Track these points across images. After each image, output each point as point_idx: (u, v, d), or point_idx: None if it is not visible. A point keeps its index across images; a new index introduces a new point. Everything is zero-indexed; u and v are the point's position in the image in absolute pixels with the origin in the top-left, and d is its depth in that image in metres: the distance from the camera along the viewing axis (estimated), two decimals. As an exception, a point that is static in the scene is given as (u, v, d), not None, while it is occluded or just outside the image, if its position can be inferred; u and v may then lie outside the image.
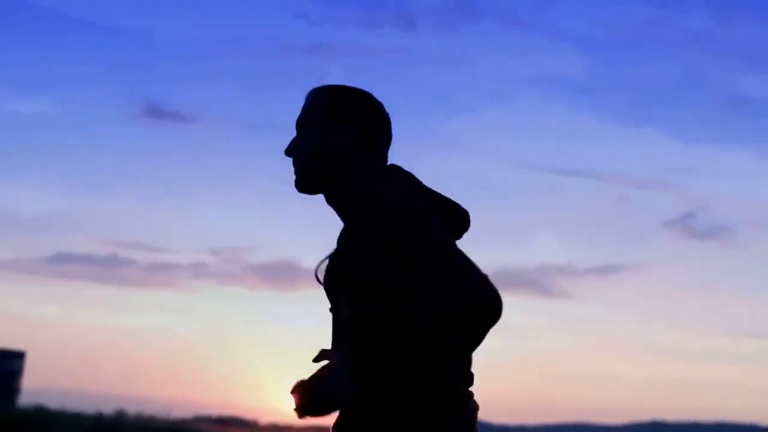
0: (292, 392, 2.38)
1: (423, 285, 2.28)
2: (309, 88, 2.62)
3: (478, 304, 2.23)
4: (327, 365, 2.36)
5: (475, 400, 2.40)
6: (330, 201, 2.55)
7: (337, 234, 2.56)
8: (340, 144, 2.52)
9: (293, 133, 2.60)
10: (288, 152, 2.57)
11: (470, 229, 2.51)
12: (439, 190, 2.49)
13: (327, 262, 2.52)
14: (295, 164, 2.56)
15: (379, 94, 2.61)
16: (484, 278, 2.27)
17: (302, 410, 2.37)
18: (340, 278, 2.44)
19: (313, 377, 2.37)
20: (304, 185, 2.56)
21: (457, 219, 2.48)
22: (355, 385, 2.30)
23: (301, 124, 2.58)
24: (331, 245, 2.57)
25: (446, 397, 2.34)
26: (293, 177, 2.57)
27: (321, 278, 2.54)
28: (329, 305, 2.54)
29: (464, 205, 2.50)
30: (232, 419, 27.55)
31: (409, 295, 2.31)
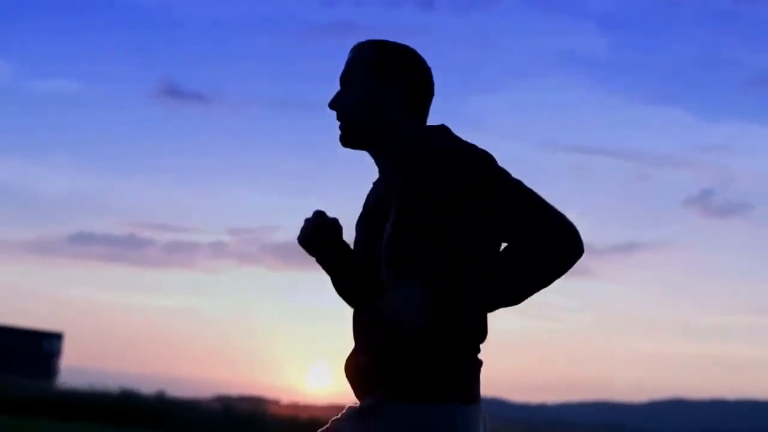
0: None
1: (518, 220, 2.38)
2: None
3: (565, 240, 2.38)
4: (398, 285, 2.38)
5: None
6: (377, 156, 2.58)
7: (361, 203, 2.64)
8: (386, 100, 2.54)
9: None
10: (332, 105, 2.59)
11: None
12: None
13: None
14: (339, 118, 2.58)
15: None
16: (563, 216, 2.42)
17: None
18: (417, 219, 2.43)
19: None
20: (350, 140, 2.58)
21: None
22: (430, 319, 2.34)
23: (345, 78, 2.60)
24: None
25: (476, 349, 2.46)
26: (338, 131, 2.59)
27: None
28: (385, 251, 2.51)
29: None
30: (253, 398, 27.61)
31: (496, 233, 2.41)
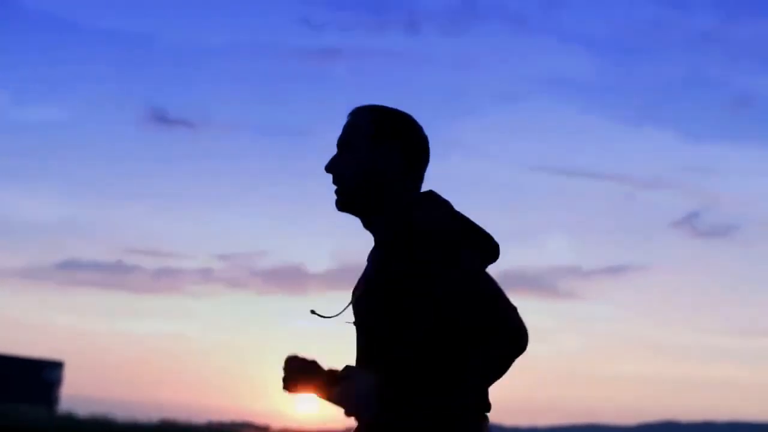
0: (288, 364, 2.49)
1: (459, 317, 2.36)
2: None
3: (512, 340, 2.34)
4: (352, 376, 2.38)
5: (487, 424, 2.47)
6: (368, 224, 2.58)
7: (365, 250, 2.62)
8: (384, 166, 2.53)
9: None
10: (329, 169, 2.58)
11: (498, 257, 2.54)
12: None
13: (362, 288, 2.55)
14: (337, 182, 2.57)
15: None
16: (514, 311, 2.37)
17: (288, 385, 2.51)
18: (379, 298, 2.45)
19: (327, 372, 2.44)
20: (346, 204, 2.57)
21: (487, 248, 2.51)
22: (378, 410, 2.34)
23: (343, 142, 2.59)
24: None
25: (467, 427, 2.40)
26: (333, 196, 2.58)
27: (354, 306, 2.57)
28: (354, 320, 2.56)
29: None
30: (244, 425, 27.53)
31: (443, 325, 2.38)
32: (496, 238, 2.52)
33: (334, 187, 2.58)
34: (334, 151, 2.61)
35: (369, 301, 2.48)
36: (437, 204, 2.52)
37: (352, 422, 2.58)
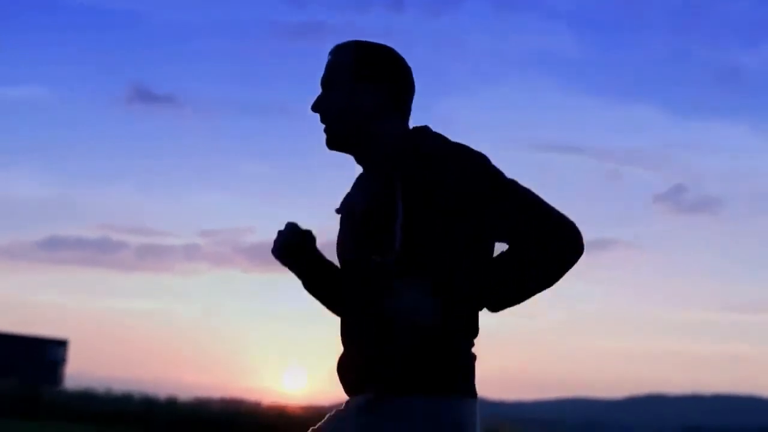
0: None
1: (519, 221, 2.39)
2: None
3: (572, 242, 2.40)
4: (402, 285, 2.39)
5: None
6: (362, 159, 2.58)
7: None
8: (369, 103, 2.53)
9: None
10: (315, 108, 2.59)
11: None
12: None
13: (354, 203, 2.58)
14: (323, 121, 2.58)
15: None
16: (559, 214, 2.43)
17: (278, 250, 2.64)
18: (392, 214, 2.44)
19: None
20: (337, 143, 2.57)
21: None
22: (439, 317, 2.36)
23: (326, 81, 2.59)
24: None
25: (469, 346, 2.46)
26: (322, 135, 2.58)
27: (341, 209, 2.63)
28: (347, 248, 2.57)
29: None
30: (234, 401, 27.52)
31: (496, 229, 2.42)
32: None
33: (322, 127, 2.58)
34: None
35: (413, 228, 2.43)
36: (440, 135, 2.53)
37: (339, 397, 2.57)
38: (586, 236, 2.42)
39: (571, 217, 2.41)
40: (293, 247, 2.64)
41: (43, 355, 35.73)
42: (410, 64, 2.58)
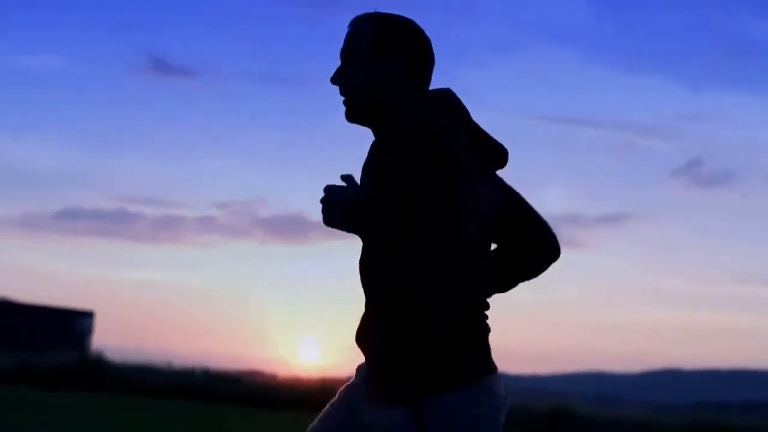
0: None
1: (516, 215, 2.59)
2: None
3: (556, 248, 2.64)
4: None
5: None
6: (378, 133, 2.55)
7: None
8: (388, 73, 2.53)
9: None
10: (334, 80, 2.59)
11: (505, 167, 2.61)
12: None
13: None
14: (343, 93, 2.58)
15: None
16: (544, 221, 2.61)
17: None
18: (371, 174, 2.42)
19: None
20: (355, 115, 2.57)
21: (494, 154, 2.56)
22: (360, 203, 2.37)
23: (346, 53, 2.59)
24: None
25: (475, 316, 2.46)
26: (342, 107, 2.58)
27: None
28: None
29: None
30: (250, 373, 27.67)
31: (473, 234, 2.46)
32: None
33: (341, 99, 2.58)
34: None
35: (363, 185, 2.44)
36: (438, 100, 2.52)
37: (353, 370, 2.58)
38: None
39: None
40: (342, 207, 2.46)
41: (69, 326, 35.80)
42: (426, 33, 2.56)
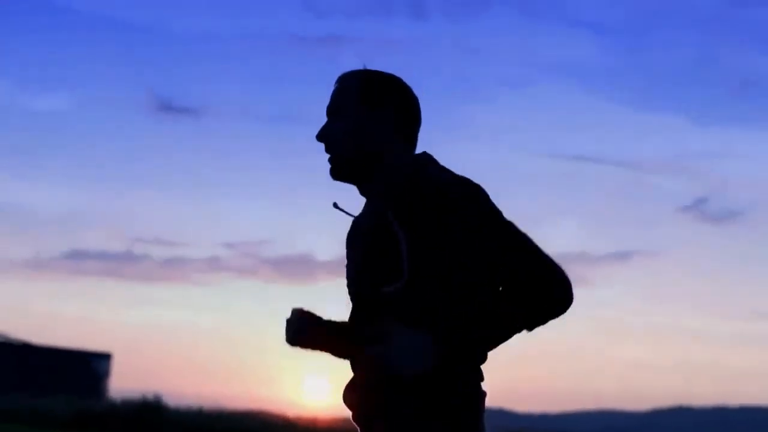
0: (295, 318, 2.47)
1: (516, 263, 2.36)
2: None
3: (569, 293, 2.40)
4: (394, 332, 2.35)
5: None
6: (363, 191, 2.55)
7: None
8: (376, 128, 2.49)
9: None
10: (320, 137, 2.54)
11: None
12: None
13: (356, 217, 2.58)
14: (328, 150, 2.53)
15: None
16: (555, 263, 2.41)
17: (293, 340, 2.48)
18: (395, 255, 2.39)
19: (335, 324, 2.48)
20: (340, 172, 2.53)
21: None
22: (433, 362, 2.31)
23: (332, 109, 2.54)
24: (346, 237, 2.62)
25: (477, 389, 2.43)
26: (327, 165, 2.55)
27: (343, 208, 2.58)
28: (349, 266, 2.57)
29: None
30: (259, 413, 27.69)
31: (487, 274, 2.37)
32: None
33: (327, 157, 2.54)
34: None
35: (382, 240, 2.43)
36: (439, 165, 2.50)
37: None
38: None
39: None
40: (307, 335, 2.48)
41: (87, 368, 35.78)
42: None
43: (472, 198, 2.37)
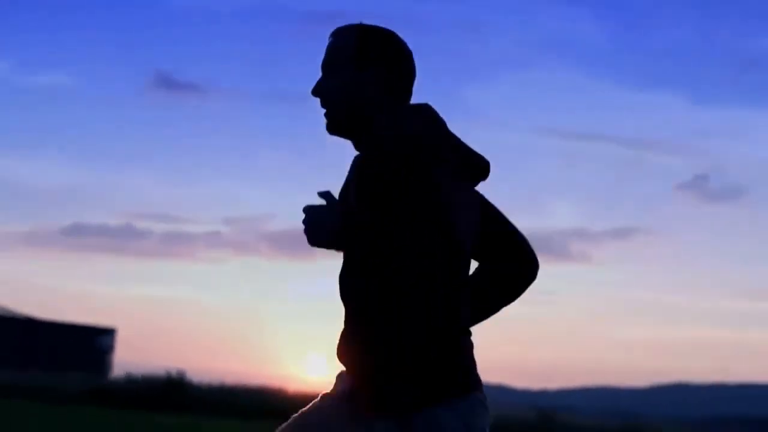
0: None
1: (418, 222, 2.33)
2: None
3: (533, 264, 2.58)
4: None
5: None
6: (358, 146, 2.56)
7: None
8: (369, 84, 2.51)
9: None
10: (315, 92, 2.56)
11: (488, 195, 2.59)
12: None
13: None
14: (324, 105, 2.56)
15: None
16: (525, 239, 2.56)
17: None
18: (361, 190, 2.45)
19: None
20: (336, 127, 2.55)
21: (476, 167, 2.52)
22: (339, 223, 2.34)
23: (327, 64, 2.57)
24: None
25: (454, 331, 2.44)
26: (323, 120, 2.57)
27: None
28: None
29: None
30: (261, 389, 27.86)
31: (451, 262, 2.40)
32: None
33: (323, 111, 2.57)
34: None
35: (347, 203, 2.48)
36: (427, 114, 2.50)
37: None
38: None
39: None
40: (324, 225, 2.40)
41: (91, 343, 35.73)
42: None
43: (416, 155, 2.38)
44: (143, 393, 22.04)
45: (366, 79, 2.51)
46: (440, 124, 2.50)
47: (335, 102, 2.53)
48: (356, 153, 2.55)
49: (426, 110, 2.51)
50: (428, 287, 2.36)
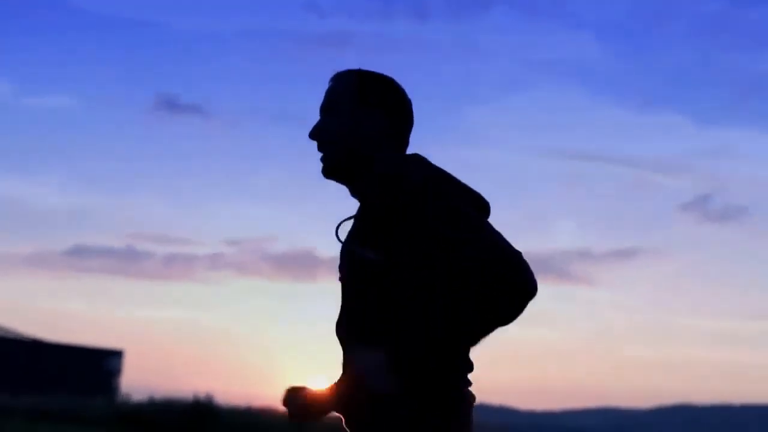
0: (285, 400, 2.47)
1: (467, 266, 2.29)
2: (323, 79, 2.61)
3: (524, 282, 2.30)
4: (358, 364, 2.37)
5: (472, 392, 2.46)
6: (355, 191, 2.54)
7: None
8: (369, 129, 2.49)
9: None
10: (313, 135, 2.54)
11: (489, 217, 2.51)
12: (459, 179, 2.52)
13: (349, 224, 2.55)
14: (321, 149, 2.53)
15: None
16: (520, 255, 2.33)
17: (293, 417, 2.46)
18: (366, 272, 2.40)
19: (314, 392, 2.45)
20: (334, 169, 2.52)
21: (483, 208, 2.47)
22: (395, 381, 2.30)
23: (326, 107, 2.55)
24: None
25: (460, 391, 2.41)
26: (319, 163, 2.55)
27: (341, 237, 2.54)
28: (341, 279, 2.54)
29: (483, 193, 2.51)
30: (264, 410, 28.02)
31: (451, 282, 2.34)
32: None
33: (320, 155, 2.55)
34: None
35: (352, 258, 2.45)
36: (426, 162, 2.47)
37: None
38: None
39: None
40: (303, 413, 2.46)
41: (98, 365, 35.74)
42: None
43: (449, 200, 2.36)
44: (170, 417, 22.13)
45: (366, 121, 2.49)
46: (440, 168, 2.47)
47: (335, 142, 2.50)
48: (346, 194, 2.55)
49: (422, 158, 2.49)
50: (427, 299, 2.33)
